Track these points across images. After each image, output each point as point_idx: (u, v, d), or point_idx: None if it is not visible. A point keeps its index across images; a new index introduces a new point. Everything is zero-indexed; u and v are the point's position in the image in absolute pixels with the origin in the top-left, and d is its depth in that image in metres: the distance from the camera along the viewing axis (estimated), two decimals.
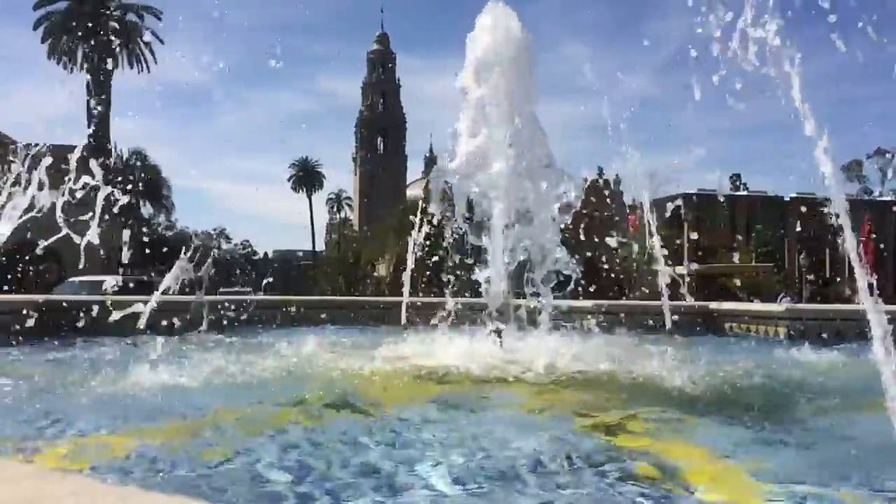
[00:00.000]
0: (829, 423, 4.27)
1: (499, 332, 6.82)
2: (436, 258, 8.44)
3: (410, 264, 10.25)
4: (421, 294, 10.71)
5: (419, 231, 8.97)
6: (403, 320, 10.08)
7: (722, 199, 49.63)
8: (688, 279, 41.93)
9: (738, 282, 33.99)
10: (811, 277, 37.07)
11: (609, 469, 3.03)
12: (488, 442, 3.52)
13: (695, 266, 41.82)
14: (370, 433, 3.63)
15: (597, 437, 3.69)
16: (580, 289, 7.47)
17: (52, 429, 3.73)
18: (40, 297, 9.96)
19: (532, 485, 2.86)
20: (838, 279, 38.72)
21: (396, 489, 2.75)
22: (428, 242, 8.98)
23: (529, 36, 7.47)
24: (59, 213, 6.49)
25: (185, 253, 6.96)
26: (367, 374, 5.48)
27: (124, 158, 45.95)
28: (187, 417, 4.12)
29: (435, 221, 7.73)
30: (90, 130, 36.04)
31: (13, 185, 6.50)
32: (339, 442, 3.44)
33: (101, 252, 6.51)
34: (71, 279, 18.59)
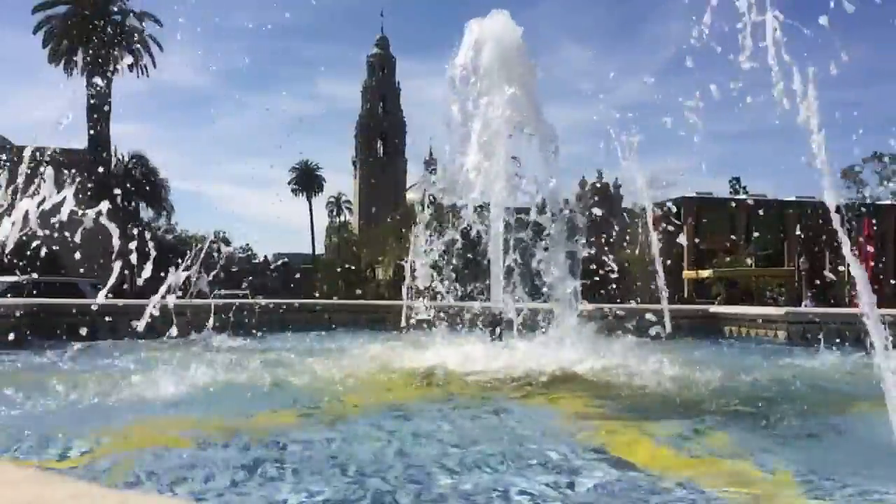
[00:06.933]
0: None
1: (499, 336, 6.81)
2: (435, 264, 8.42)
3: (408, 277, 10.30)
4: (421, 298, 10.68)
5: (417, 237, 8.97)
6: (403, 322, 10.10)
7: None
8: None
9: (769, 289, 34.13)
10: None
11: None
12: None
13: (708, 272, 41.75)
14: None
15: None
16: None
17: None
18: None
19: None
20: (835, 282, 38.70)
21: None
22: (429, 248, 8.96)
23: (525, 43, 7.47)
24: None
25: (182, 260, 6.88)
26: None
27: (124, 162, 45.87)
28: None
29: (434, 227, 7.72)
30: (90, 134, 36.21)
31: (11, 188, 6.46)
32: None
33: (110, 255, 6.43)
34: None
